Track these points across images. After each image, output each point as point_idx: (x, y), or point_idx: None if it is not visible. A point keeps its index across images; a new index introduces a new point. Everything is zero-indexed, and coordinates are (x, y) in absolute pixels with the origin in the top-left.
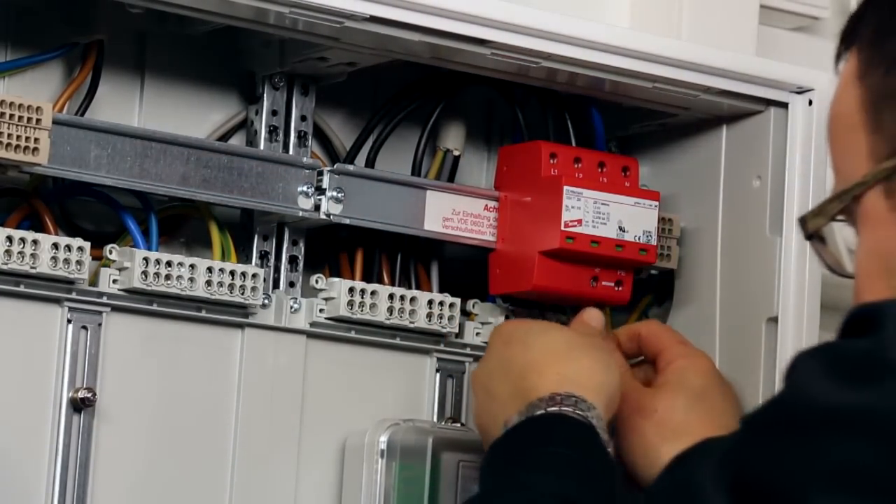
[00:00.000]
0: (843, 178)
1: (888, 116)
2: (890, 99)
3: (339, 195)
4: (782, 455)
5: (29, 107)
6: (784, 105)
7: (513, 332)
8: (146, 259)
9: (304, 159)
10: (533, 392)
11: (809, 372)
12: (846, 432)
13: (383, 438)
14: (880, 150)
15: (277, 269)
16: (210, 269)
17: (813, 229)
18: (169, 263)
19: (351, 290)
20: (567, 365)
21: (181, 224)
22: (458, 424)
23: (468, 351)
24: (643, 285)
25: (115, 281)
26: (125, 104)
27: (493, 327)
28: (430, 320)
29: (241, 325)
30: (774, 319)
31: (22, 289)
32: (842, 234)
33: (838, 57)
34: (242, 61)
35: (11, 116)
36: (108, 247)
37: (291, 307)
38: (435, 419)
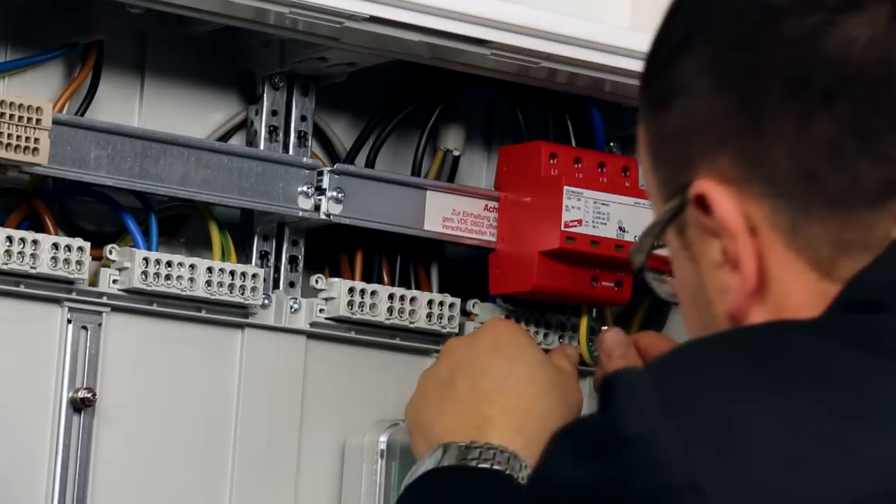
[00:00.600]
0: (655, 213)
1: (662, 159)
2: (660, 141)
3: (339, 195)
4: None
5: (29, 107)
6: None
7: (505, 343)
8: (146, 259)
9: (304, 159)
10: (486, 427)
11: (556, 449)
12: None
13: (383, 438)
14: (664, 191)
15: (277, 270)
16: (210, 270)
17: (638, 264)
18: (169, 263)
19: (351, 290)
20: (531, 418)
21: (181, 224)
22: None
23: None
24: (643, 286)
25: (115, 281)
26: (125, 104)
27: (495, 316)
28: (430, 320)
29: (241, 326)
30: None
31: (22, 289)
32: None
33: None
34: (242, 61)
35: (11, 116)
36: (108, 247)
37: (291, 307)
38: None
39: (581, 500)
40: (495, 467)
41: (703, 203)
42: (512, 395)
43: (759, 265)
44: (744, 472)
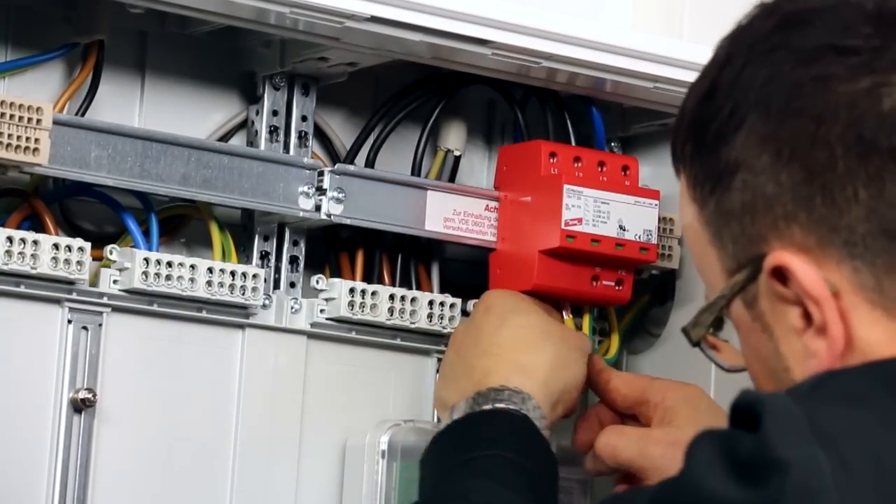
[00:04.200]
0: (708, 287)
1: (725, 233)
2: (721, 217)
3: (340, 195)
4: None
5: (29, 107)
6: None
7: (496, 304)
8: (146, 259)
9: (305, 159)
10: (486, 377)
11: (706, 461)
12: None
13: (384, 439)
14: (728, 265)
15: (278, 270)
16: (210, 270)
17: (696, 338)
18: (169, 264)
19: (351, 290)
20: (527, 355)
21: (182, 224)
22: None
23: None
24: (644, 285)
25: (115, 281)
26: (126, 104)
27: (486, 292)
28: (430, 321)
29: (241, 326)
30: None
31: (22, 289)
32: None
33: (676, 170)
34: (243, 61)
35: (12, 117)
36: (109, 247)
37: (292, 307)
38: (436, 420)
39: None
40: (496, 405)
41: (780, 274)
42: (505, 343)
43: (843, 327)
44: None
